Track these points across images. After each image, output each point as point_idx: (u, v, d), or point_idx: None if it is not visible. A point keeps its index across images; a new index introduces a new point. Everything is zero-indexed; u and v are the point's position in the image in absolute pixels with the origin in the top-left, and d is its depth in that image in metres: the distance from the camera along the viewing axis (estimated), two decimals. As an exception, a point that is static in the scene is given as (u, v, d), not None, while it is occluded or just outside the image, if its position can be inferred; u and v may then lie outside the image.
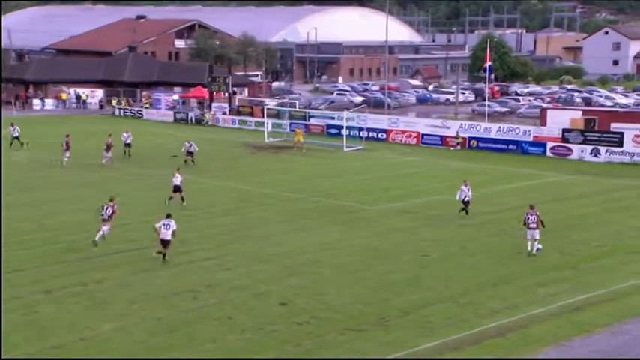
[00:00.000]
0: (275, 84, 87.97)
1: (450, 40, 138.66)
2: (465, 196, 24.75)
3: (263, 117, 49.47)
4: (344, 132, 43.27)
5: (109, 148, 34.80)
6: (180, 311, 16.21)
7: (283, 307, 16.47)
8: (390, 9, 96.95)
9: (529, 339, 14.69)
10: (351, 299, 16.95)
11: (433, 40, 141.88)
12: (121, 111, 59.97)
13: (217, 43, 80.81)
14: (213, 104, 58.25)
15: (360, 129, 45.67)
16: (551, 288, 17.70)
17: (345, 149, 41.70)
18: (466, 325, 15.32)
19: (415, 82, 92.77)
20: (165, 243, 19.68)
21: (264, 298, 17.04)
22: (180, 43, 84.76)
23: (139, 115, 58.46)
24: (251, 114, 54.88)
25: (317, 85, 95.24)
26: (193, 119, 55.49)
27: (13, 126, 40.35)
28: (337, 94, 75.71)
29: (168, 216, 20.06)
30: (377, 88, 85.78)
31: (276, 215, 25.30)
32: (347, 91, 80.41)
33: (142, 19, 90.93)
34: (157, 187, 30.39)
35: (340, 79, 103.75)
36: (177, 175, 26.72)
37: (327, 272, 19.12)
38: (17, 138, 39.50)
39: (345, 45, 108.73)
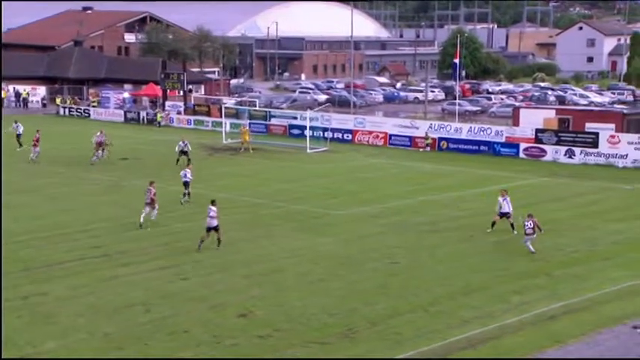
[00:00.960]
0: (233, 81, 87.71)
1: (418, 36, 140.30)
2: (504, 208, 23.32)
3: (221, 117, 49.28)
4: (307, 132, 43.41)
5: (35, 143, 36.08)
6: (131, 325, 16.05)
7: (243, 319, 16.44)
8: (356, 2, 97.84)
9: (500, 350, 14.94)
10: (315, 310, 17.01)
11: (401, 36, 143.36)
12: (66, 110, 59.01)
13: (171, 37, 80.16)
14: (167, 103, 57.77)
15: (325, 129, 45.83)
16: (525, 296, 18.05)
17: (308, 151, 41.81)
18: (436, 337, 15.52)
19: (382, 79, 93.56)
20: (213, 229, 21.37)
21: (223, 310, 16.99)
22: (130, 37, 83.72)
23: (86, 115, 57.62)
24: (208, 113, 54.62)
25: (278, 82, 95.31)
26: (145, 119, 54.93)
27: (16, 123, 39.92)
28: (300, 92, 75.89)
29: (212, 202, 21.62)
30: (342, 85, 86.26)
31: (236, 221, 25.22)
32: (310, 89, 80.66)
33: (89, 11, 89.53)
34: (105, 191, 30.01)
35: (303, 76, 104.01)
36: (187, 170, 27.86)
37: (290, 281, 19.16)
38: (19, 136, 38.89)
39: (308, 40, 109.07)
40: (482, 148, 41.82)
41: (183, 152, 35.65)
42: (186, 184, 27.83)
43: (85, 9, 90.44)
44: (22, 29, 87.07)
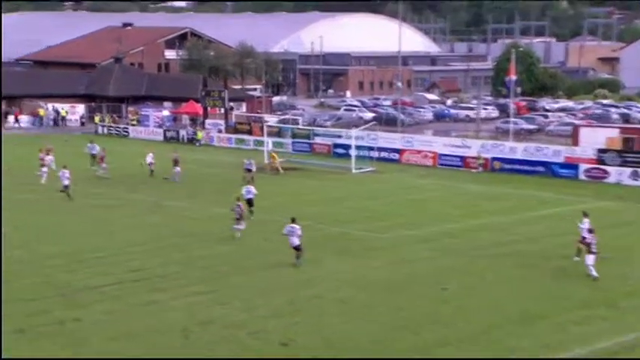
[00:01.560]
0: (276, 99, 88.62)
1: (470, 50, 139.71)
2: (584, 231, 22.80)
3: (263, 135, 49.83)
4: (352, 152, 43.50)
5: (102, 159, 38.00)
6: (168, 352, 16.28)
7: (284, 348, 16.53)
8: (404, 16, 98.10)
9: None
10: (359, 338, 17.00)
11: (452, 50, 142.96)
12: (105, 129, 60.41)
13: (212, 53, 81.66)
14: (208, 121, 58.72)
15: (371, 148, 45.90)
16: (586, 327, 17.70)
17: (353, 171, 41.92)
18: (489, 368, 15.33)
19: (432, 96, 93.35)
20: (295, 248, 22.35)
21: (263, 338, 17.11)
22: (170, 54, 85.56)
23: (125, 134, 58.89)
24: (249, 132, 55.29)
25: (322, 99, 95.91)
26: (185, 138, 55.91)
27: (92, 143, 41.31)
28: (345, 109, 76.22)
29: (293, 220, 22.58)
30: (389, 103, 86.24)
31: (278, 244, 25.40)
32: (356, 106, 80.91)
33: (129, 27, 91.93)
34: (144, 212, 30.60)
35: (348, 93, 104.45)
36: (251, 187, 29.20)
37: (334, 307, 19.19)
38: (94, 156, 40.36)
39: (354, 55, 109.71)
40: (538, 169, 41.30)
41: (247, 170, 37.07)
42: (250, 200, 28.78)
43: (125, 25, 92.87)
44: (62, 46, 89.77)
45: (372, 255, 24.30)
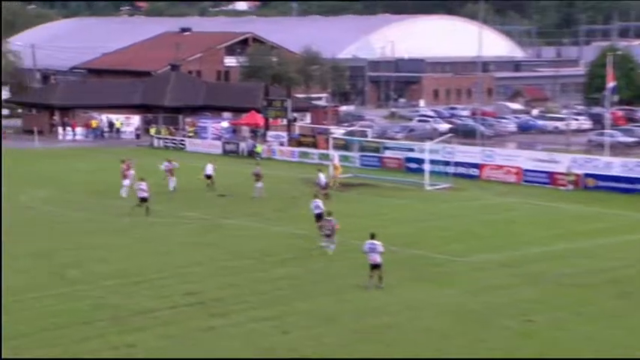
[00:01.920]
0: (343, 108, 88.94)
1: (559, 55, 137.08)
2: None
3: (328, 148, 50.04)
4: (426, 167, 43.27)
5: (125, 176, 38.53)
6: (227, 382, 16.44)
7: (352, 381, 16.47)
8: (485, 17, 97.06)
9: None
10: (435, 373, 16.79)
11: (538, 55, 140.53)
12: (161, 141, 61.74)
13: (275, 59, 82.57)
14: (269, 133, 59.35)
15: (447, 163, 45.58)
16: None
17: (427, 188, 41.73)
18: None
19: (515, 105, 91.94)
20: (375, 267, 22.71)
21: (329, 369, 17.11)
22: (230, 61, 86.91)
23: (181, 146, 60.08)
24: (314, 145, 55.61)
25: (394, 109, 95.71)
26: (245, 151, 56.62)
27: (170, 162, 41.06)
28: (418, 120, 75.86)
29: (372, 236, 22.99)
30: (467, 113, 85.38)
31: (345, 267, 25.41)
32: (430, 117, 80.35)
33: (187, 33, 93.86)
34: (201, 232, 31.10)
35: (422, 102, 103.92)
36: (318, 201, 30.18)
37: (406, 338, 19.04)
38: (170, 172, 41.03)
39: (429, 61, 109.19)
40: (638, 186, 40.11)
41: (319, 185, 37.84)
42: (319, 215, 29.30)
43: (183, 30, 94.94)
44: (117, 54, 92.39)
45: (448, 280, 24.09)
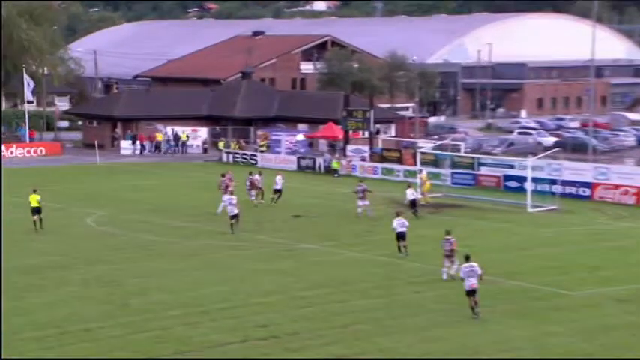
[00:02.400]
0: (432, 120, 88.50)
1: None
2: None
3: (415, 165, 49.80)
4: (528, 186, 42.61)
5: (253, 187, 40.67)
6: None
7: None
8: (600, 15, 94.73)
9: None
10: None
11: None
12: (230, 156, 62.61)
13: (356, 65, 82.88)
14: (349, 147, 59.50)
15: (553, 182, 44.81)
16: None
17: (530, 210, 41.12)
18: None
19: (635, 116, 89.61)
20: (470, 293, 23.06)
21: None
22: (307, 67, 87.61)
23: (253, 161, 60.79)
24: (399, 160, 55.44)
25: (490, 120, 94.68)
26: (322, 167, 56.87)
27: (259, 174, 42.99)
28: (519, 133, 74.80)
29: (467, 258, 23.56)
30: (576, 124, 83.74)
31: (434, 299, 25.17)
32: (533, 129, 79.22)
33: (260, 37, 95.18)
34: (272, 257, 31.32)
35: (523, 112, 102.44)
36: (402, 220, 30.78)
37: (505, 383, 18.68)
38: (260, 188, 42.54)
39: (532, 66, 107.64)
40: None
41: (412, 202, 38.60)
42: (401, 235, 30.50)
43: (256, 34, 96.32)
44: (183, 60, 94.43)
45: (555, 317, 23.57)
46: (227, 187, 39.22)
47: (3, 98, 74.98)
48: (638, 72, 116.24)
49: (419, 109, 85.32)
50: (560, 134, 74.85)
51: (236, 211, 35.11)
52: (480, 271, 23.32)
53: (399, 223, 30.59)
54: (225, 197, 37.00)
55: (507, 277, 27.93)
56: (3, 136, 69.02)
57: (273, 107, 72.20)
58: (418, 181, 44.12)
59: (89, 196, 45.01)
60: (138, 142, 67.69)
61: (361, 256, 31.28)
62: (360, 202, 39.16)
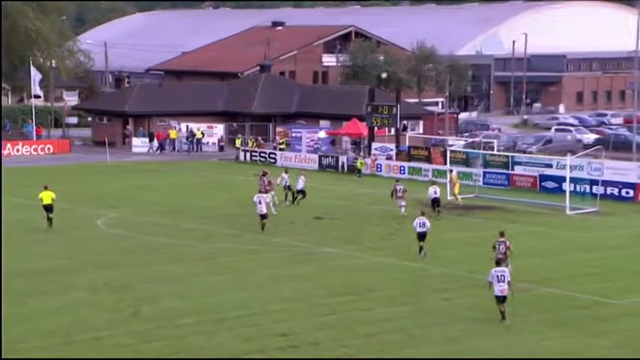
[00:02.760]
0: (463, 116, 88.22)
1: None
2: None
3: (445, 163, 49.61)
4: (567, 186, 42.35)
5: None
6: None
7: None
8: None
9: None
10: None
11: None
12: (248, 154, 62.67)
13: (381, 58, 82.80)
14: (374, 145, 59.41)
15: (593, 182, 44.53)
16: None
17: (568, 212, 40.92)
18: None
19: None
20: (501, 300, 23.28)
21: None
22: (329, 59, 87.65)
23: (272, 160, 60.80)
24: (428, 159, 55.26)
25: (526, 116, 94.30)
26: (346, 166, 56.81)
27: (285, 172, 44.08)
28: (557, 130, 74.36)
29: (499, 263, 24.38)
30: (619, 121, 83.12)
31: (464, 307, 25.03)
32: (572, 125, 78.78)
33: (279, 27, 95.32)
34: (292, 262, 31.29)
35: (562, 107, 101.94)
36: (423, 220, 31.45)
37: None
38: (288, 187, 43.16)
39: (571, 57, 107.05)
40: None
41: (434, 200, 39.39)
42: (423, 235, 31.18)
43: (275, 24, 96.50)
44: (198, 52, 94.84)
45: (598, 328, 23.40)
46: (270, 183, 40.25)
47: (9, 93, 75.53)
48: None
49: (449, 105, 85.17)
50: (601, 131, 74.34)
51: (265, 211, 35.97)
52: (509, 278, 23.30)
53: (419, 223, 31.10)
54: (255, 197, 37.00)
55: (543, 284, 27.73)
56: (9, 133, 69.55)
57: (293, 102, 72.26)
58: (448, 181, 43.95)
59: (99, 197, 45.20)
60: (155, 140, 67.70)
61: (386, 261, 31.17)
62: (401, 202, 39.68)
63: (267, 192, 38.92)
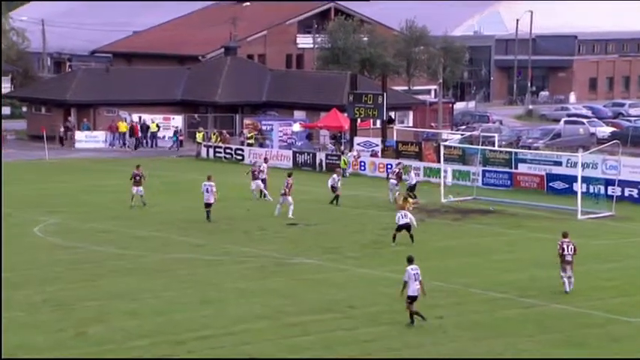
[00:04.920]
0: (459, 106, 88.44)
1: None
2: None
3: (438, 161, 49.82)
4: (578, 187, 42.62)
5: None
6: None
7: None
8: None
9: None
10: None
11: None
12: (211, 150, 62.52)
13: (365, 39, 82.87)
14: (357, 139, 59.50)
15: (609, 183, 44.82)
16: None
17: (580, 217, 41.20)
18: None
19: None
20: (414, 299, 24.93)
21: None
22: (305, 41, 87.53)
23: (239, 157, 60.66)
24: (418, 156, 55.41)
25: (531, 107, 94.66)
26: (324, 163, 56.83)
27: (265, 161, 47.96)
28: (567, 122, 74.75)
29: (410, 261, 25.23)
30: (639, 111, 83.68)
31: (460, 325, 25.19)
32: (584, 117, 79.15)
33: (247, 3, 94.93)
34: (262, 273, 31.33)
35: (572, 96, 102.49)
36: (404, 212, 34.69)
37: None
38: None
39: (582, 38, 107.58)
40: None
41: (411, 187, 41.63)
42: (405, 227, 33.98)
43: (242, 0, 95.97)
44: (152, 32, 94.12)
45: (613, 349, 23.64)
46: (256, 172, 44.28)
47: None
48: None
49: (442, 93, 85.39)
50: (618, 123, 74.81)
51: (212, 200, 39.32)
52: (420, 277, 25.12)
53: (402, 214, 33.86)
54: (203, 185, 39.99)
55: (550, 299, 27.92)
56: None
57: (263, 90, 72.15)
58: (442, 185, 44.08)
59: (35, 200, 44.98)
60: (110, 134, 67.57)
61: (369, 273, 31.27)
62: (392, 181, 43.34)
63: (285, 194, 40.70)
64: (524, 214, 42.10)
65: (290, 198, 40.74)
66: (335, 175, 44.81)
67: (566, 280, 28.47)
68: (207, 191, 39.54)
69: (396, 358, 22.93)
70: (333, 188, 43.97)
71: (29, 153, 62.93)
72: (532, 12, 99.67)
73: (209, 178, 40.52)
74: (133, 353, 23.22)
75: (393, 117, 65.10)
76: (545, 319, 26.01)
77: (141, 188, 42.51)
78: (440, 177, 47.40)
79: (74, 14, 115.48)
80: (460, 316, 26.16)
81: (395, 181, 44.76)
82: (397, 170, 46.14)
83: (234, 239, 36.37)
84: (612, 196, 43.64)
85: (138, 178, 42.61)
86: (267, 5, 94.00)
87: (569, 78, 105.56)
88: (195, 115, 69.98)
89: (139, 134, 67.21)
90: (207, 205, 39.50)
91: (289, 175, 42.34)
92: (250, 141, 63.02)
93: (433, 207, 43.69)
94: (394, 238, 34.63)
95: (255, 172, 45.26)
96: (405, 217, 34.33)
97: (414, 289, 24.89)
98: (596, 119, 77.95)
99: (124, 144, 67.65)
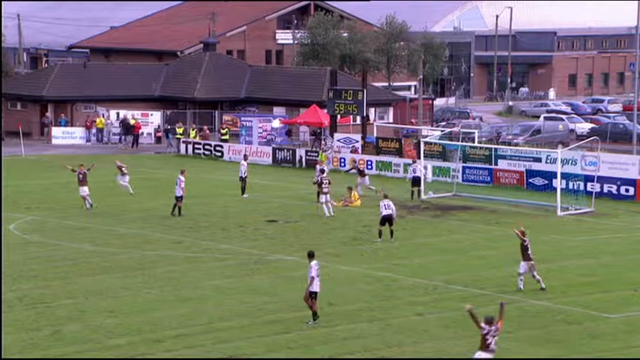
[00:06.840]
0: (439, 102, 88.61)
1: None
2: None
3: (418, 157, 49.86)
4: (558, 183, 42.78)
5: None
6: None
7: None
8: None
9: None
10: None
11: None
12: (190, 147, 62.42)
13: (345, 35, 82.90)
14: (337, 136, 59.52)
15: (589, 179, 44.99)
16: None
17: (559, 213, 41.34)
18: None
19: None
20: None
21: None
22: (284, 36, 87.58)
23: (218, 154, 60.62)
24: (398, 152, 55.49)
25: (511, 103, 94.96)
26: (304, 160, 56.83)
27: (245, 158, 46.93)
28: (547, 118, 74.99)
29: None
30: (618, 107, 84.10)
31: (440, 323, 25.22)
32: (564, 113, 79.47)
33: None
34: (243, 271, 31.27)
35: (552, 92, 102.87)
36: (387, 202, 34.91)
37: None
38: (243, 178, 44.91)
39: (562, 35, 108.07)
40: None
41: (415, 179, 42.67)
42: (387, 218, 34.86)
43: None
44: (130, 28, 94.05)
45: (591, 346, 23.67)
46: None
47: None
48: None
49: (422, 89, 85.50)
50: (597, 119, 75.15)
51: (181, 193, 40.11)
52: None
53: (384, 205, 34.64)
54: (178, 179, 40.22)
55: (529, 296, 27.97)
56: None
57: (242, 86, 72.22)
58: (423, 181, 44.16)
59: (11, 197, 44.64)
60: (86, 130, 67.51)
61: (350, 270, 31.26)
62: (362, 181, 44.39)
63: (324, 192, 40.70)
64: (504, 210, 42.23)
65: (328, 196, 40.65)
66: (318, 167, 44.96)
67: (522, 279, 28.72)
68: (176, 184, 40.20)
69: (376, 359, 22.83)
70: (319, 185, 43.61)
71: (5, 149, 62.41)
72: (512, 8, 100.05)
73: (182, 173, 40.58)
74: (110, 352, 23.09)
75: (369, 114, 65.08)
76: (523, 315, 26.09)
77: (86, 188, 41.77)
78: (419, 173, 47.34)
79: (51, 8, 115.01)
80: (440, 314, 26.19)
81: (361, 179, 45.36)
82: (357, 166, 47.60)
83: (214, 236, 36.28)
84: (592, 192, 43.79)
85: (81, 176, 41.93)
86: (247, 1, 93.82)
87: (548, 74, 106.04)
88: (174, 111, 69.81)
89: (139, 132, 66.77)
90: (175, 199, 40.16)
91: (322, 171, 42.87)
92: (225, 137, 62.84)
93: (412, 204, 43.66)
94: (380, 233, 34.87)
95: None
96: (389, 207, 34.62)
97: (317, 284, 25.08)
98: (575, 115, 78.37)
99: (101, 140, 67.47)
